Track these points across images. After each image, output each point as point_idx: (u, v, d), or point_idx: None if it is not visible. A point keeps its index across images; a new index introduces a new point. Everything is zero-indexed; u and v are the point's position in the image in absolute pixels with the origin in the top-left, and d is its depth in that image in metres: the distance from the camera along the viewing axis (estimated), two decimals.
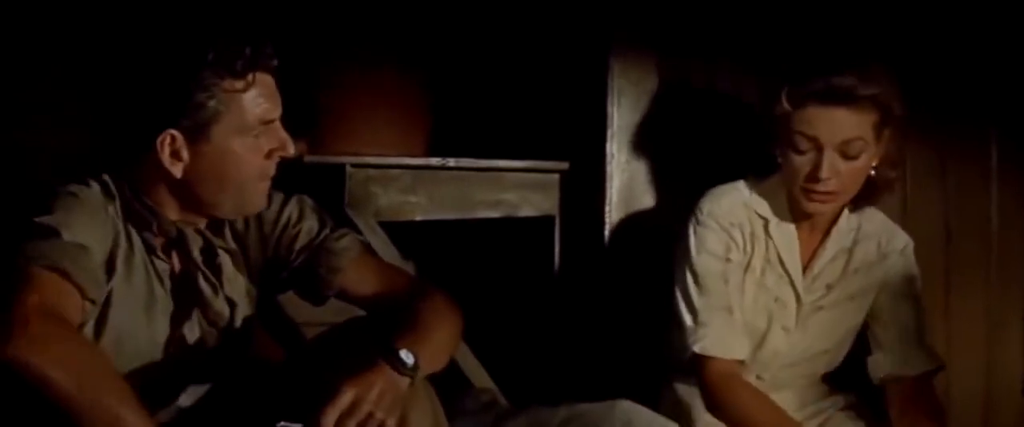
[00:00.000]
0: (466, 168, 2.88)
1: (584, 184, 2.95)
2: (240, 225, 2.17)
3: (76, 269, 1.89)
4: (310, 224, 2.19)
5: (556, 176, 2.99)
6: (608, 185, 2.89)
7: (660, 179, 2.82)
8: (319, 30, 2.92)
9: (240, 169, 2.03)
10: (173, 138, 1.99)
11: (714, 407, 2.52)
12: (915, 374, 2.61)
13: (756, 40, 2.90)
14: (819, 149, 2.43)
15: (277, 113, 2.06)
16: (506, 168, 2.94)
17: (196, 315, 2.10)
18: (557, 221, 3.00)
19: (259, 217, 2.17)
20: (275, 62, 2.05)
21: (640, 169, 2.92)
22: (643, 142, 2.92)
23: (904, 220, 2.86)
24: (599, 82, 2.91)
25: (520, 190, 2.95)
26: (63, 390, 1.77)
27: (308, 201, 2.22)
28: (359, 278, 2.19)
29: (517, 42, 3.09)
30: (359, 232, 2.60)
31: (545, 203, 2.99)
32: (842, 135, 2.41)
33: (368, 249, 2.26)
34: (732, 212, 2.56)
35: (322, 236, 2.18)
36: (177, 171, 2.01)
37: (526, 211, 2.97)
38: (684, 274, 2.55)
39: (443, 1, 3.06)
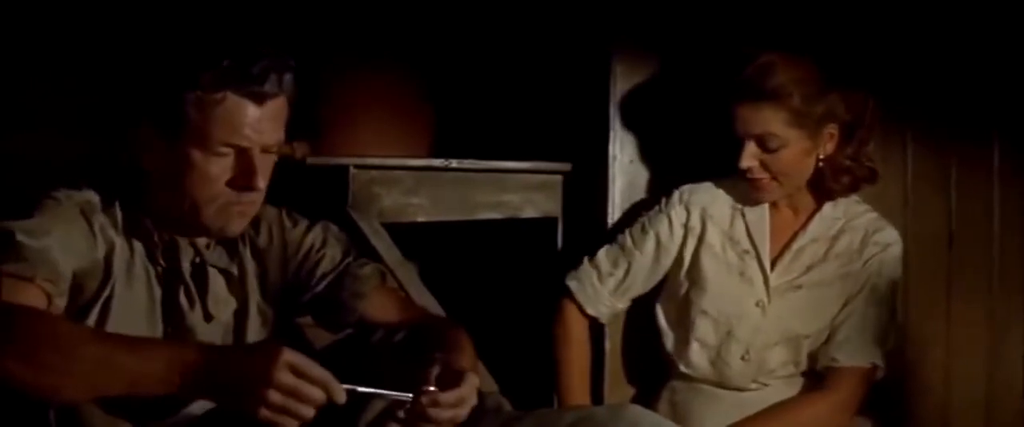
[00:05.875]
0: (469, 169, 2.87)
1: (587, 185, 2.95)
2: (263, 242, 2.17)
3: (19, 265, 1.86)
4: (334, 251, 2.20)
5: (559, 177, 2.99)
6: (610, 186, 2.90)
7: (662, 180, 2.82)
8: (322, 32, 2.91)
9: (195, 184, 1.98)
10: (144, 131, 1.98)
11: (553, 336, 2.77)
12: (845, 365, 2.62)
13: (759, 42, 2.90)
14: (743, 141, 2.55)
15: (247, 142, 1.97)
16: (509, 170, 2.93)
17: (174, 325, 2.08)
18: (560, 223, 3.00)
19: (283, 239, 2.18)
20: (269, 90, 1.96)
21: (642, 170, 2.93)
22: (645, 143, 2.92)
23: (906, 223, 2.87)
24: (601, 83, 2.91)
25: (523, 192, 2.95)
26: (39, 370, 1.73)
27: (332, 228, 2.23)
28: (381, 306, 2.20)
29: (520, 43, 3.09)
30: (360, 232, 2.61)
31: (548, 205, 2.99)
32: (753, 130, 2.56)
33: (387, 278, 2.28)
34: (693, 197, 2.73)
35: (345, 263, 2.19)
36: (146, 165, 2.00)
37: (529, 213, 2.96)
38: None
39: (446, 3, 3.06)
